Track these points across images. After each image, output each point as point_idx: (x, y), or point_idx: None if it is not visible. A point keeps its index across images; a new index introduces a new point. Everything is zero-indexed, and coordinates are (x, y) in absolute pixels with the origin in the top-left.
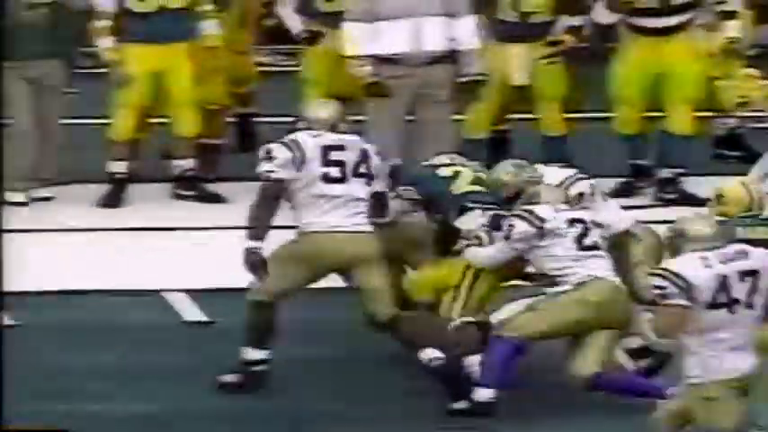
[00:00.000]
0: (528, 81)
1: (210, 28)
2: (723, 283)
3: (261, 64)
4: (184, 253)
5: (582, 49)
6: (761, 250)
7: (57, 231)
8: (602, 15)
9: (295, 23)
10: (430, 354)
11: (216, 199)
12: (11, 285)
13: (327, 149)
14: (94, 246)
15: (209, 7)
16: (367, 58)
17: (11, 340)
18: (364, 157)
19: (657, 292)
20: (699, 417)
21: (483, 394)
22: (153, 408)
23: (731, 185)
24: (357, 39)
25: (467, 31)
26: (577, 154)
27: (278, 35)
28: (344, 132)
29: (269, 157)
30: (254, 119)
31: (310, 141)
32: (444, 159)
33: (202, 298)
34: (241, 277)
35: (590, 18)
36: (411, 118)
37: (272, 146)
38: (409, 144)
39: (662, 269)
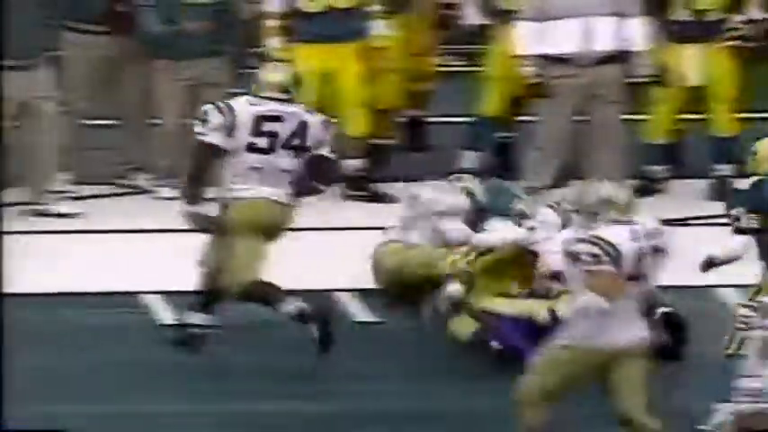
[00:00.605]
0: (702, 82)
1: (379, 28)
2: (640, 258)
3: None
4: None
5: (757, 47)
6: (671, 230)
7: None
8: None
9: (474, 20)
10: (292, 304)
11: (386, 199)
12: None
13: (261, 119)
14: None
15: (377, 7)
16: (534, 57)
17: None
18: (302, 128)
19: (590, 258)
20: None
21: None
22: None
23: (765, 142)
24: (525, 38)
25: (637, 32)
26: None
27: (449, 36)
28: (290, 100)
29: (204, 120)
30: (425, 119)
31: (246, 109)
32: None
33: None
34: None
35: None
36: (582, 118)
37: (208, 108)
38: (579, 144)
39: (597, 237)
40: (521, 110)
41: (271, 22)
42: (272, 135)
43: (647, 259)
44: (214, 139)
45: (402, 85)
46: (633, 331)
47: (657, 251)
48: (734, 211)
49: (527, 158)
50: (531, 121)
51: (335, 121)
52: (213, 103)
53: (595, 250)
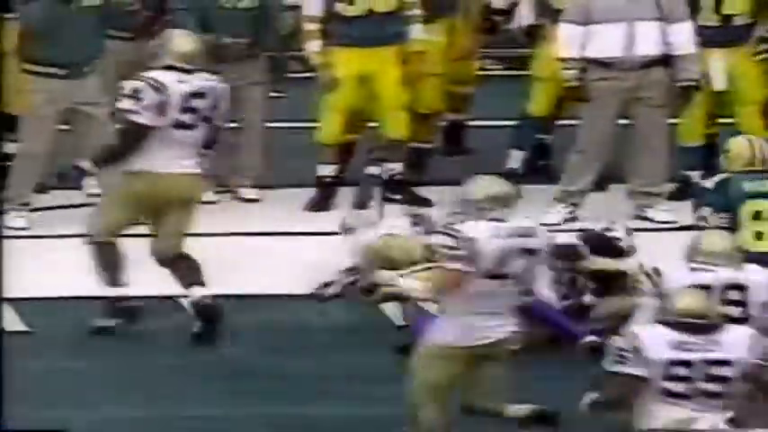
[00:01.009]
0: (727, 86)
1: (418, 32)
2: (504, 257)
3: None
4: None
5: None
6: (545, 232)
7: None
8: None
9: (528, 20)
10: (199, 292)
11: (424, 203)
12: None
13: (189, 97)
14: (298, 250)
15: (417, 11)
16: (576, 60)
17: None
18: (216, 102)
19: (444, 251)
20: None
21: None
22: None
23: (737, 140)
24: (569, 40)
25: (683, 36)
26: None
27: (489, 40)
28: (203, 70)
29: (136, 98)
30: (465, 123)
31: (176, 88)
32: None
33: None
34: None
35: None
36: (626, 122)
37: (139, 85)
38: (622, 147)
39: (454, 230)
40: (561, 112)
41: (310, 26)
42: (195, 111)
43: (514, 258)
44: (147, 119)
45: (442, 89)
46: (499, 328)
47: (528, 252)
48: (701, 211)
49: (567, 161)
50: (570, 125)
51: (377, 125)
52: (144, 80)
53: (451, 243)
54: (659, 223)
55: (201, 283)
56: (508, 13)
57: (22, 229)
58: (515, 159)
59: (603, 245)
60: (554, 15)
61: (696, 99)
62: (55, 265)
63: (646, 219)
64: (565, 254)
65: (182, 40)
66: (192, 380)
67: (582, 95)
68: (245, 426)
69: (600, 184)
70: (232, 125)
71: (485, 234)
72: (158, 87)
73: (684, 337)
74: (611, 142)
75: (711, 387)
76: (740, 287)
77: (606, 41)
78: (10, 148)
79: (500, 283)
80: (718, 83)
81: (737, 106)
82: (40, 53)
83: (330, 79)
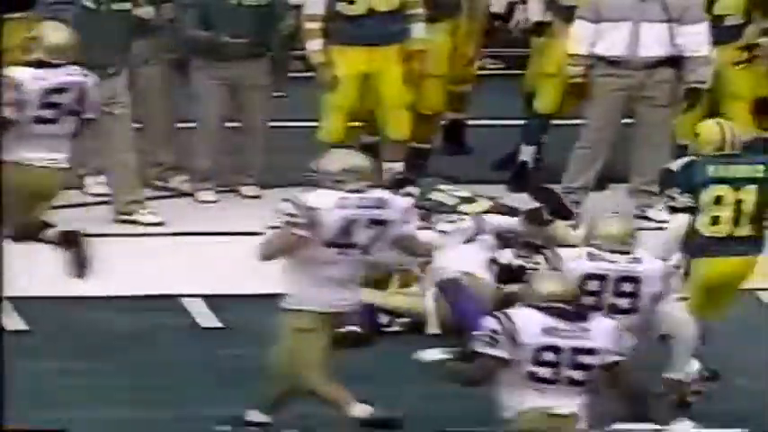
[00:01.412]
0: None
1: (420, 31)
2: (349, 227)
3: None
4: None
5: None
6: (403, 202)
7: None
8: None
9: (537, 16)
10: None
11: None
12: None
13: (48, 93)
14: None
15: (419, 11)
16: (584, 57)
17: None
18: (81, 94)
19: (285, 217)
20: (291, 345)
21: None
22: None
23: (707, 124)
24: (579, 37)
25: (695, 38)
26: None
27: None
28: (74, 63)
29: None
30: (465, 122)
31: (32, 85)
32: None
33: None
34: None
35: None
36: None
37: None
38: (625, 145)
39: (297, 198)
40: (562, 110)
41: (311, 25)
42: (57, 106)
43: (362, 229)
44: (7, 113)
45: (444, 89)
46: (338, 298)
47: (378, 223)
48: (669, 192)
49: (571, 158)
50: (567, 124)
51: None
52: (1, 78)
53: (292, 211)
54: (659, 223)
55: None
56: (506, 18)
57: None
58: (526, 154)
59: (558, 205)
60: (562, 13)
61: (701, 101)
62: (55, 265)
63: (646, 218)
64: (535, 218)
65: (53, 33)
66: (193, 380)
67: (585, 92)
68: (246, 426)
69: (600, 183)
70: (234, 125)
71: (329, 204)
72: (15, 85)
73: (556, 323)
74: (613, 140)
75: (576, 375)
76: (634, 279)
77: (612, 40)
78: None
79: (342, 252)
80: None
81: (727, 103)
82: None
83: (331, 78)
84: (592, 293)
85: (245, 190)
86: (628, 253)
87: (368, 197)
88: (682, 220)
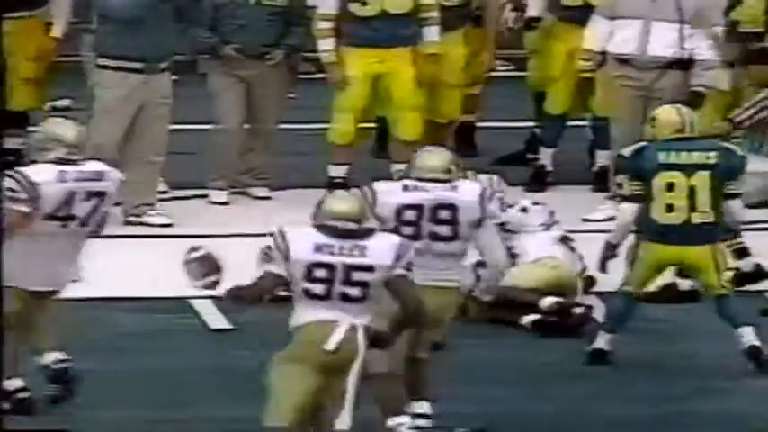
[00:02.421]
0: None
1: (434, 35)
2: (69, 199)
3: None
4: None
5: None
6: (116, 174)
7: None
8: None
9: (535, 12)
10: None
11: None
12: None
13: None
14: None
15: (434, 14)
16: (596, 53)
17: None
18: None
19: (8, 194)
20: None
21: None
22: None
23: (665, 108)
24: (595, 33)
25: (704, 42)
26: None
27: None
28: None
29: None
30: (476, 124)
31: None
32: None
33: None
34: None
35: None
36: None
37: None
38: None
39: (18, 173)
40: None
41: (323, 24)
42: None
43: (81, 202)
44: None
45: (460, 98)
46: (59, 272)
47: (96, 195)
48: (618, 179)
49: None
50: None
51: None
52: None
53: (14, 186)
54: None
55: None
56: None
57: None
58: (545, 156)
59: None
60: (561, 12)
61: (703, 105)
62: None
63: None
64: None
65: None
66: (203, 381)
67: (592, 88)
68: (247, 426)
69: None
70: (245, 126)
71: (48, 178)
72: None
73: (330, 241)
74: (636, 134)
75: (351, 291)
76: (450, 206)
77: (623, 37)
78: (14, 143)
79: (62, 225)
80: (723, 83)
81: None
82: (117, 48)
83: (342, 79)
84: (409, 224)
85: (256, 191)
86: (446, 182)
87: (86, 170)
88: (628, 208)
